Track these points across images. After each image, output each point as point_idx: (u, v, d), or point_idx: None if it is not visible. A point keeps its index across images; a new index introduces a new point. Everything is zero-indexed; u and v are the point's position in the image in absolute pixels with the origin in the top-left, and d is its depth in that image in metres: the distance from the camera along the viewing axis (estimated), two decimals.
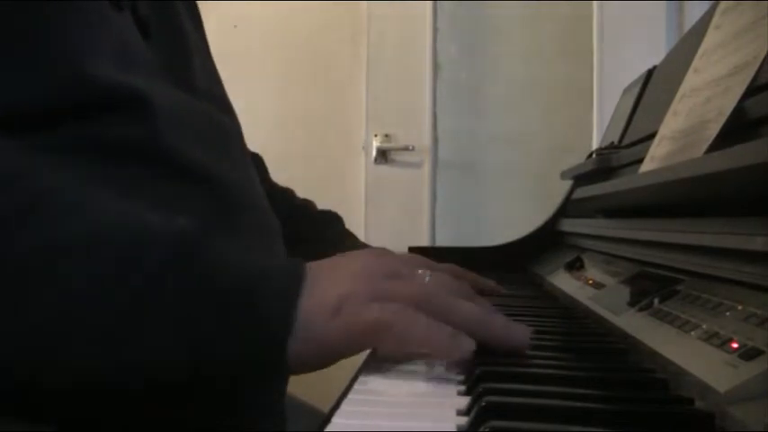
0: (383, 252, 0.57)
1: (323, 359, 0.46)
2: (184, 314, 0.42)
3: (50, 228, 0.41)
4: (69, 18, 0.50)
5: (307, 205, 0.99)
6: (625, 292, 0.67)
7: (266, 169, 0.96)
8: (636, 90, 1.12)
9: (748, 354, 0.39)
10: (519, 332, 0.50)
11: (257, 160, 0.93)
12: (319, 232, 0.93)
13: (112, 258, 0.42)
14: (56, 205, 0.43)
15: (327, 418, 0.39)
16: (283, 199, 0.93)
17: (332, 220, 0.98)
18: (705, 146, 0.58)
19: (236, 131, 0.69)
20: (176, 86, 0.59)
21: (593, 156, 1.09)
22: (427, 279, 0.50)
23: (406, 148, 2.16)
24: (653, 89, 1.05)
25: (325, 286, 0.46)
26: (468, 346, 0.46)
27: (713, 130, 0.58)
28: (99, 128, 0.50)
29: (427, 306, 0.47)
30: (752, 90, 0.56)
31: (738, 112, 0.56)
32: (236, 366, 0.44)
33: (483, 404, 0.38)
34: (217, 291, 0.43)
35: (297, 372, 0.46)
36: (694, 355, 0.44)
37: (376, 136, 2.18)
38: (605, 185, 0.89)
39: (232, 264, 0.45)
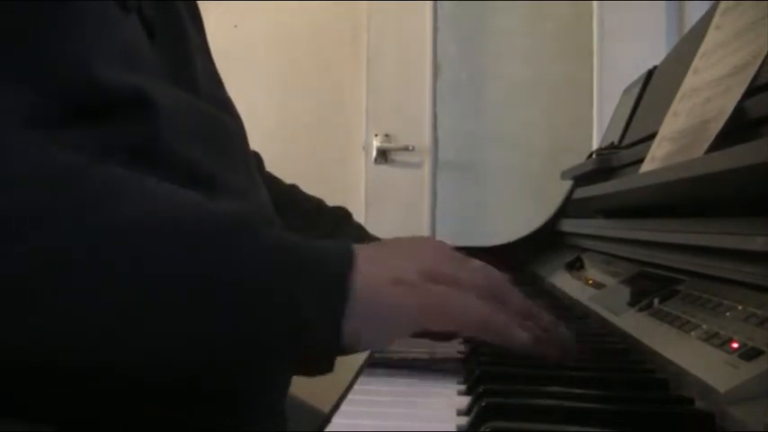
0: (434, 240, 0.59)
1: (380, 333, 0.46)
2: (248, 293, 0.43)
3: (132, 208, 0.43)
4: (73, 20, 0.49)
5: (320, 203, 0.98)
6: (625, 293, 0.67)
7: (264, 166, 0.96)
8: (636, 90, 1.12)
9: (748, 354, 0.39)
10: (561, 337, 0.51)
11: (255, 158, 0.93)
12: (327, 229, 0.93)
13: (190, 238, 0.43)
14: (130, 189, 0.44)
15: (327, 418, 0.39)
16: (287, 196, 0.93)
17: (343, 217, 0.98)
18: (705, 146, 0.58)
19: (238, 132, 0.69)
20: (179, 88, 0.59)
21: (593, 156, 1.10)
22: (478, 271, 0.51)
23: (406, 148, 2.16)
24: (653, 89, 1.05)
25: (383, 260, 0.48)
26: (525, 338, 0.47)
27: (713, 131, 0.58)
28: (103, 130, 0.50)
29: (484, 293, 0.48)
30: (752, 90, 0.56)
31: (738, 112, 0.56)
32: (291, 343, 0.44)
33: (483, 404, 0.38)
34: (285, 263, 0.45)
35: (349, 351, 0.46)
36: (694, 355, 0.44)
37: (376, 136, 2.18)
38: (605, 186, 0.89)
39: (289, 240, 0.46)
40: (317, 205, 0.97)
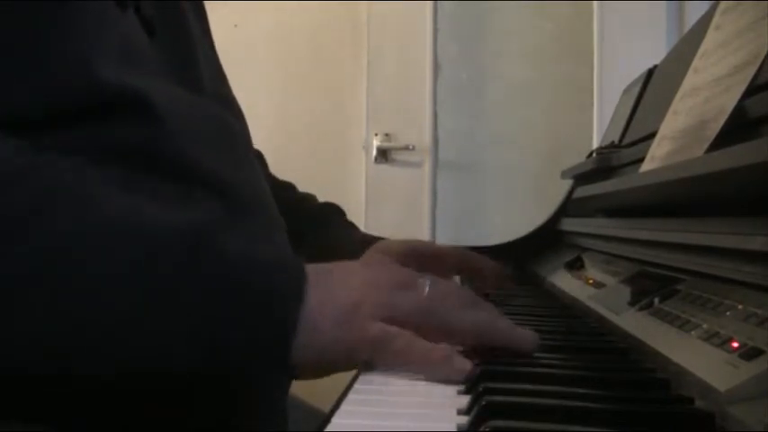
0: (387, 262, 0.59)
1: (322, 367, 0.47)
2: (199, 306, 0.43)
3: (65, 221, 0.42)
4: (72, 19, 0.49)
5: (306, 198, 0.98)
6: (625, 292, 0.67)
7: (266, 165, 0.96)
8: (636, 90, 1.12)
9: (748, 354, 0.39)
10: (524, 336, 0.51)
11: (258, 157, 0.93)
12: (319, 225, 0.93)
13: (127, 252, 0.43)
14: (70, 199, 0.43)
15: (327, 418, 0.39)
16: (284, 193, 0.93)
17: (332, 213, 0.98)
18: (705, 146, 0.58)
19: (242, 131, 0.69)
20: (182, 86, 0.58)
21: (594, 155, 1.09)
22: (428, 289, 0.51)
23: (406, 148, 2.16)
24: (653, 89, 1.05)
25: (338, 293, 0.47)
26: (462, 365, 0.47)
27: (713, 130, 0.58)
28: (102, 130, 0.50)
29: (429, 318, 0.49)
30: (752, 90, 0.56)
31: (738, 111, 0.56)
32: (241, 359, 0.44)
33: (483, 404, 0.38)
34: (232, 283, 0.44)
35: (296, 377, 0.47)
36: (695, 354, 0.44)
37: (376, 135, 2.18)
38: (605, 185, 0.89)
39: (245, 257, 0.46)
40: (308, 200, 0.97)
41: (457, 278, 0.93)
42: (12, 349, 0.41)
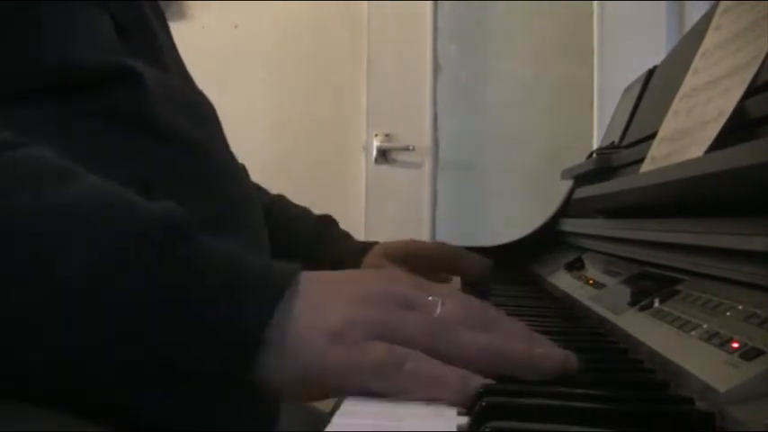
0: (396, 275, 0.51)
1: (311, 388, 0.42)
2: (150, 300, 0.39)
3: (32, 197, 0.40)
4: (47, 15, 0.52)
5: (299, 216, 0.97)
6: (625, 292, 0.67)
7: (248, 176, 0.95)
8: (636, 90, 1.12)
9: (748, 354, 0.39)
10: (547, 359, 0.44)
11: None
12: (314, 242, 0.93)
13: (94, 230, 0.40)
14: (39, 175, 0.41)
15: (327, 419, 0.39)
16: (271, 206, 0.92)
17: (326, 227, 0.97)
18: (705, 146, 0.58)
19: (215, 116, 0.70)
20: None
21: (594, 156, 1.09)
22: (439, 308, 0.45)
23: (406, 148, 2.16)
24: (653, 89, 1.05)
25: (327, 306, 0.42)
26: (477, 383, 0.41)
27: (713, 130, 0.58)
28: (90, 99, 0.52)
29: (437, 342, 0.42)
30: (752, 90, 0.56)
31: (738, 112, 0.56)
32: (195, 367, 0.40)
33: (483, 404, 0.38)
34: (194, 280, 0.40)
35: (283, 398, 0.41)
36: (695, 354, 0.44)
37: (376, 136, 2.18)
38: (605, 185, 0.89)
39: (213, 257, 0.42)
40: (301, 214, 0.96)
41: (457, 279, 0.93)
42: None
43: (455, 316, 0.44)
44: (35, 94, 0.50)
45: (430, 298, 0.45)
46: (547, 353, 0.45)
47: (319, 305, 0.42)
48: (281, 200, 0.97)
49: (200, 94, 0.71)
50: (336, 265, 0.83)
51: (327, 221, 0.97)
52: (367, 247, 0.91)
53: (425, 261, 0.89)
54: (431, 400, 0.41)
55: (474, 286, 0.89)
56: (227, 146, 0.68)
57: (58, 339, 0.39)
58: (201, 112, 0.65)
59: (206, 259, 0.41)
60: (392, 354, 0.41)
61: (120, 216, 0.41)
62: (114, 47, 0.57)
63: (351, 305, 0.42)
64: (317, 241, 0.92)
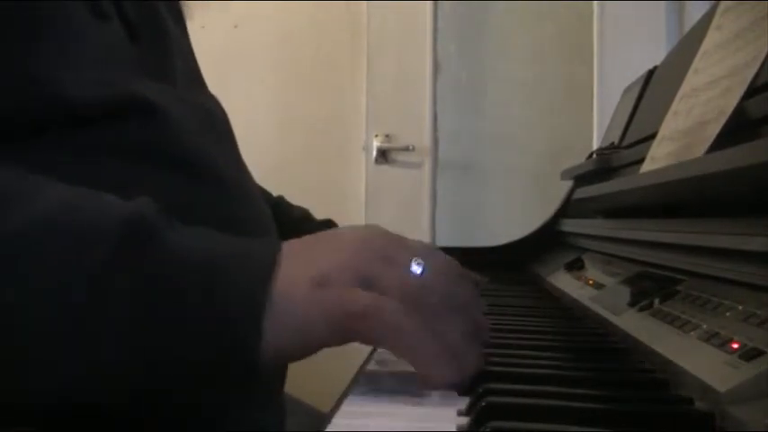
0: (378, 229, 0.48)
1: (300, 342, 0.41)
2: (135, 306, 0.38)
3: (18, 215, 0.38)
4: (42, 35, 0.49)
5: (303, 218, 0.97)
6: (625, 293, 0.67)
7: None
8: (636, 90, 1.12)
9: (748, 354, 0.39)
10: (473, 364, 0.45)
11: None
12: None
13: (62, 244, 0.38)
14: (8, 186, 0.40)
15: (327, 418, 0.39)
16: (281, 212, 0.92)
17: (328, 227, 0.97)
18: (705, 146, 0.58)
19: (225, 123, 0.69)
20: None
21: (594, 156, 1.10)
22: (420, 270, 0.44)
23: (406, 148, 2.16)
24: (653, 89, 1.05)
25: (308, 257, 0.42)
26: (475, 361, 0.42)
27: (713, 131, 0.58)
28: (97, 135, 0.51)
29: (415, 306, 0.42)
30: (752, 90, 0.56)
31: (738, 112, 0.56)
32: (198, 370, 0.39)
33: (483, 404, 0.38)
34: (170, 281, 0.39)
35: (276, 361, 0.41)
36: (694, 355, 0.44)
37: (376, 136, 2.18)
38: (605, 186, 0.89)
39: (191, 250, 0.40)
40: (302, 216, 0.96)
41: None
42: None
43: (437, 284, 0.44)
44: (44, 128, 0.48)
45: (416, 261, 0.44)
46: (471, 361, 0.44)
47: (301, 257, 0.42)
48: (281, 201, 0.97)
49: (212, 99, 0.70)
50: None
51: (331, 226, 0.97)
52: None
53: None
54: (404, 358, 0.42)
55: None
56: (239, 159, 0.66)
57: (54, 378, 0.38)
58: (215, 126, 0.63)
59: (176, 263, 0.40)
60: (374, 301, 0.41)
61: (80, 241, 0.39)
62: (125, 66, 0.55)
63: (333, 255, 0.42)
64: None
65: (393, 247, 0.45)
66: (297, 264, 0.41)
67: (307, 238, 0.45)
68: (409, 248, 0.45)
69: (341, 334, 0.41)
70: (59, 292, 0.38)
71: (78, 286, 0.38)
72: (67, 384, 0.38)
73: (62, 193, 0.41)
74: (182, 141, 0.55)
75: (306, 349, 0.42)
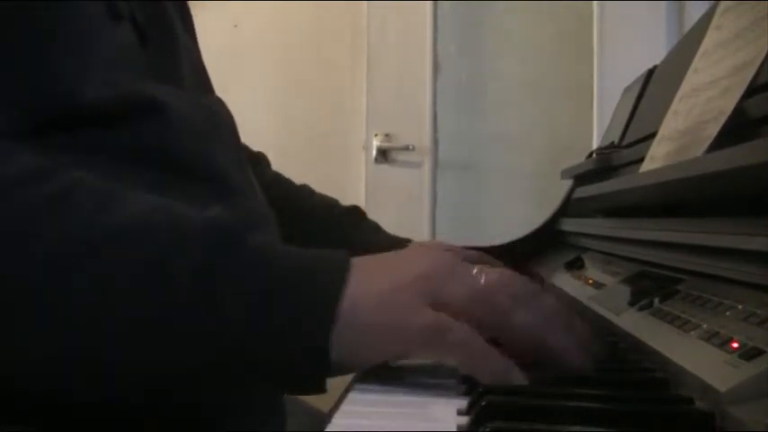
0: (439, 247, 0.54)
1: (363, 355, 0.43)
2: (226, 306, 0.41)
3: (84, 217, 0.41)
4: (61, 35, 0.50)
5: (331, 204, 0.98)
6: (625, 292, 0.67)
7: (269, 165, 0.96)
8: (636, 90, 1.12)
9: (748, 354, 0.39)
10: (573, 357, 0.47)
11: (261, 158, 0.94)
12: (349, 231, 0.93)
13: (152, 249, 0.41)
14: (88, 195, 0.42)
15: (327, 418, 0.39)
16: (298, 197, 0.93)
17: (357, 217, 0.98)
18: (705, 146, 0.58)
19: (229, 127, 0.69)
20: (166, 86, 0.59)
21: (593, 155, 1.09)
22: (483, 279, 0.46)
23: (406, 148, 2.16)
24: (653, 89, 1.05)
25: (376, 276, 0.44)
26: (519, 380, 0.44)
27: (713, 130, 0.58)
28: (105, 136, 0.51)
29: (486, 308, 0.44)
30: (752, 90, 0.56)
31: (738, 112, 0.56)
32: (275, 362, 0.42)
33: (483, 404, 0.38)
34: (260, 282, 0.42)
35: (337, 372, 0.43)
36: (694, 354, 0.44)
37: (376, 135, 2.18)
38: (605, 185, 0.89)
39: (274, 255, 0.43)
40: (330, 206, 0.97)
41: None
42: (30, 360, 0.40)
43: (499, 285, 0.46)
44: (53, 130, 0.49)
45: (476, 270, 0.46)
46: (575, 349, 0.47)
47: (369, 277, 0.44)
48: (304, 188, 0.97)
49: (218, 101, 0.70)
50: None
51: (358, 211, 0.98)
52: (403, 242, 0.91)
53: None
54: (473, 373, 0.44)
55: None
56: (243, 161, 0.67)
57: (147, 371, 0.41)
58: (220, 128, 0.63)
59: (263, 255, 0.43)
60: (438, 321, 0.43)
61: (167, 247, 0.41)
62: (135, 67, 0.55)
63: (399, 272, 0.45)
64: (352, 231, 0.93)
65: (455, 262, 0.47)
66: (365, 281, 0.44)
67: (378, 256, 0.48)
68: (469, 264, 0.48)
69: (403, 348, 0.44)
70: (160, 290, 0.40)
71: (171, 277, 0.40)
72: (152, 384, 0.41)
73: (147, 197, 0.44)
74: (187, 143, 0.55)
75: (366, 363, 0.45)
